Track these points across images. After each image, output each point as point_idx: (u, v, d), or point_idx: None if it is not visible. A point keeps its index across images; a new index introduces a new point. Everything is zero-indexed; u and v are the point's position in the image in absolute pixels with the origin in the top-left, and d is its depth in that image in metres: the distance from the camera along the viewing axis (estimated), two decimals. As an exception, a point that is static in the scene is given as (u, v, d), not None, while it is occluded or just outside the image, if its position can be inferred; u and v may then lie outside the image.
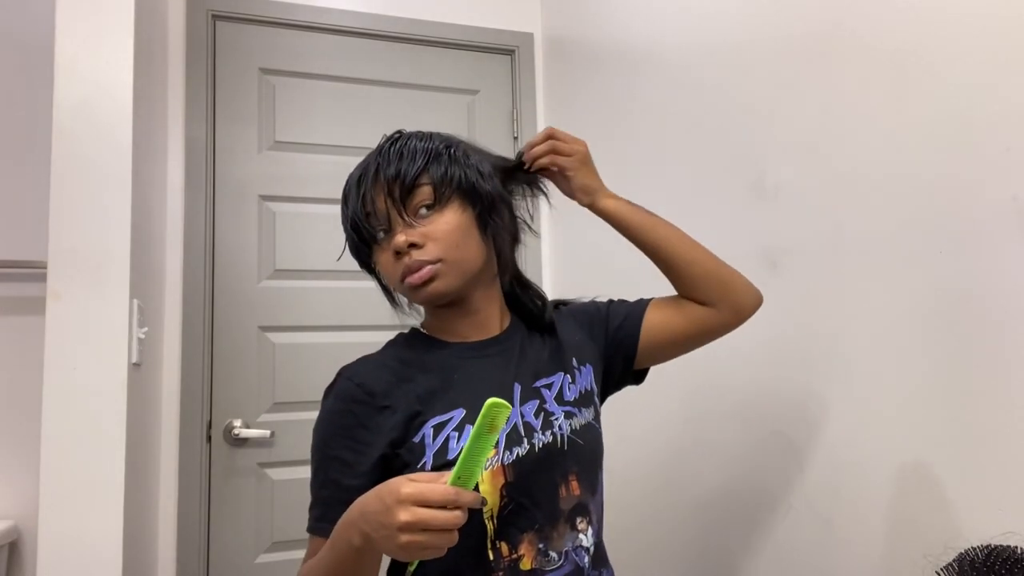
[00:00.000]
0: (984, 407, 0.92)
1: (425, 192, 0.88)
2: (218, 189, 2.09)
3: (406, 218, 0.87)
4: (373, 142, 0.96)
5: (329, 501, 0.85)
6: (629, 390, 1.09)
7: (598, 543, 0.93)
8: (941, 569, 0.68)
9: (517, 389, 0.92)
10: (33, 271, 1.75)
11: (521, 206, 1.02)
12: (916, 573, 0.79)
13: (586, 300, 1.09)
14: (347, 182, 0.93)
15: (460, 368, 0.92)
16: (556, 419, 0.91)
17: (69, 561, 1.40)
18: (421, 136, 0.92)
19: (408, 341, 0.97)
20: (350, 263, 0.99)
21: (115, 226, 1.49)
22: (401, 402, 0.87)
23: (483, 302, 0.96)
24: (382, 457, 0.85)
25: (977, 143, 0.92)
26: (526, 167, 1.01)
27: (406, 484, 0.67)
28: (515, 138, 2.39)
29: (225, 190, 2.09)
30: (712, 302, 1.00)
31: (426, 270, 0.87)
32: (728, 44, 1.44)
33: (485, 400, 0.66)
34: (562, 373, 0.96)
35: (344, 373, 0.91)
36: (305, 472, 0.90)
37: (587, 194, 1.02)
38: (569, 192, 1.04)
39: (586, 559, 0.89)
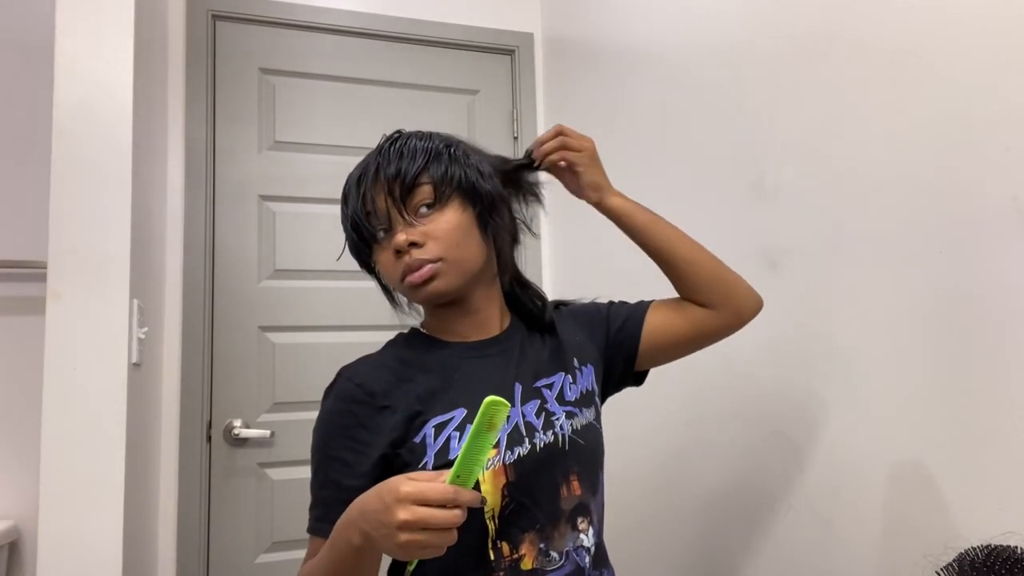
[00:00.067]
0: (984, 407, 0.92)
1: (425, 191, 0.88)
2: (218, 189, 2.09)
3: (406, 217, 0.87)
4: (373, 142, 0.96)
5: (329, 501, 0.84)
6: (631, 392, 1.09)
7: (599, 543, 0.93)
8: (941, 569, 0.68)
9: (518, 389, 0.92)
10: (33, 271, 1.75)
11: (518, 210, 1.02)
12: (916, 573, 0.79)
13: (586, 301, 1.09)
14: (347, 182, 0.93)
15: (460, 368, 0.92)
16: (557, 419, 0.91)
17: (69, 561, 1.40)
18: (421, 136, 0.92)
19: (408, 341, 0.97)
20: (350, 263, 0.99)
21: (115, 226, 1.49)
22: (401, 402, 0.87)
23: (483, 302, 0.96)
24: (383, 457, 0.85)
25: (977, 143, 0.92)
26: (536, 164, 1.01)
27: (405, 483, 0.67)
28: (515, 138, 2.39)
29: (225, 190, 2.09)
30: (713, 304, 1.01)
31: (426, 269, 0.87)
32: (728, 44, 1.44)
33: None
34: (563, 373, 0.96)
35: (344, 373, 0.91)
36: (305, 472, 0.90)
37: (595, 191, 1.02)
38: (576, 190, 1.04)
39: (587, 559, 0.89)
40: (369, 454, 0.85)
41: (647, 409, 1.63)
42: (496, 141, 2.33)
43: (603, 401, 1.04)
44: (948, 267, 0.96)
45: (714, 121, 1.48)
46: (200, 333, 2.01)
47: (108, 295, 1.47)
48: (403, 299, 0.98)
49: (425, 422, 0.86)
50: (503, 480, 0.84)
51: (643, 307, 1.04)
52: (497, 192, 0.94)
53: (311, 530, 0.86)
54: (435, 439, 0.85)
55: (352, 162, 0.96)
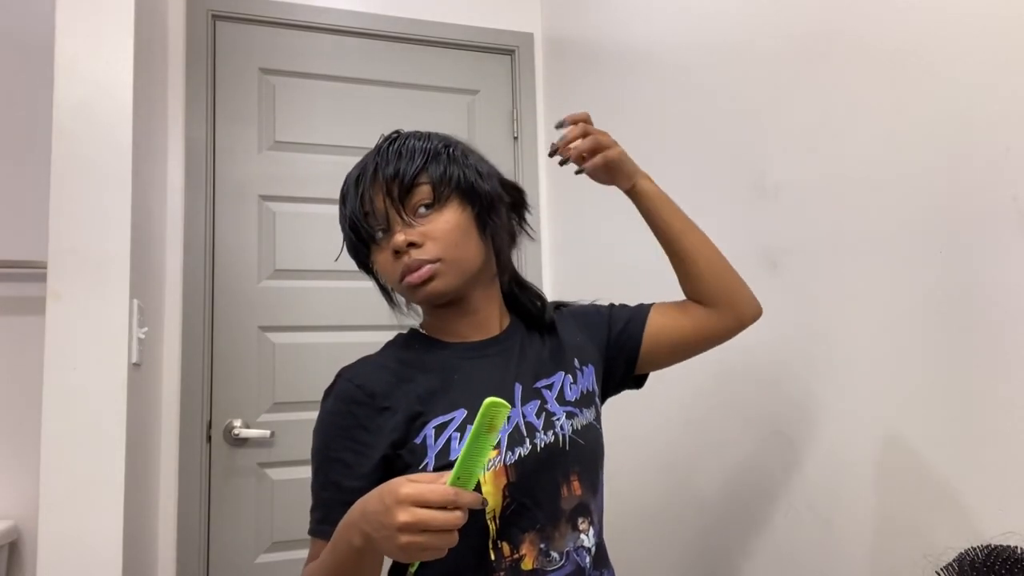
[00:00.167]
0: (984, 407, 0.92)
1: (424, 191, 0.88)
2: (218, 189, 2.08)
3: (405, 217, 0.87)
4: (373, 142, 0.96)
5: (330, 503, 0.84)
6: (631, 392, 1.09)
7: (599, 543, 0.92)
8: (941, 569, 0.68)
9: (518, 389, 0.92)
10: (33, 271, 1.75)
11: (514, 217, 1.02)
12: (916, 573, 0.79)
13: (586, 303, 1.09)
14: (345, 182, 0.93)
15: (460, 368, 0.92)
16: (558, 419, 0.91)
17: (69, 561, 1.40)
18: (419, 136, 0.92)
19: (407, 342, 0.97)
20: (350, 263, 0.99)
21: (115, 226, 1.49)
22: (402, 403, 0.87)
23: (482, 302, 0.96)
24: (383, 458, 0.85)
25: (977, 143, 0.92)
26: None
27: (406, 484, 0.67)
28: (515, 138, 2.39)
29: (225, 190, 2.09)
30: (717, 304, 1.01)
31: (425, 269, 0.86)
32: (728, 44, 1.44)
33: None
34: (563, 373, 0.96)
35: (344, 374, 0.91)
36: (305, 472, 0.90)
37: (629, 178, 1.01)
38: (606, 179, 1.02)
39: (587, 559, 0.89)
40: (370, 455, 0.85)
41: (647, 409, 1.63)
42: (496, 141, 2.33)
43: (602, 402, 1.04)
44: (948, 267, 0.96)
45: (714, 121, 1.48)
46: (200, 333, 2.01)
47: (108, 295, 1.47)
48: (401, 299, 0.98)
49: (426, 423, 0.86)
50: (504, 480, 0.84)
51: (644, 309, 1.04)
52: (496, 192, 0.94)
53: (312, 532, 0.86)
54: (436, 440, 0.85)
55: (352, 162, 0.96)
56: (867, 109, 1.09)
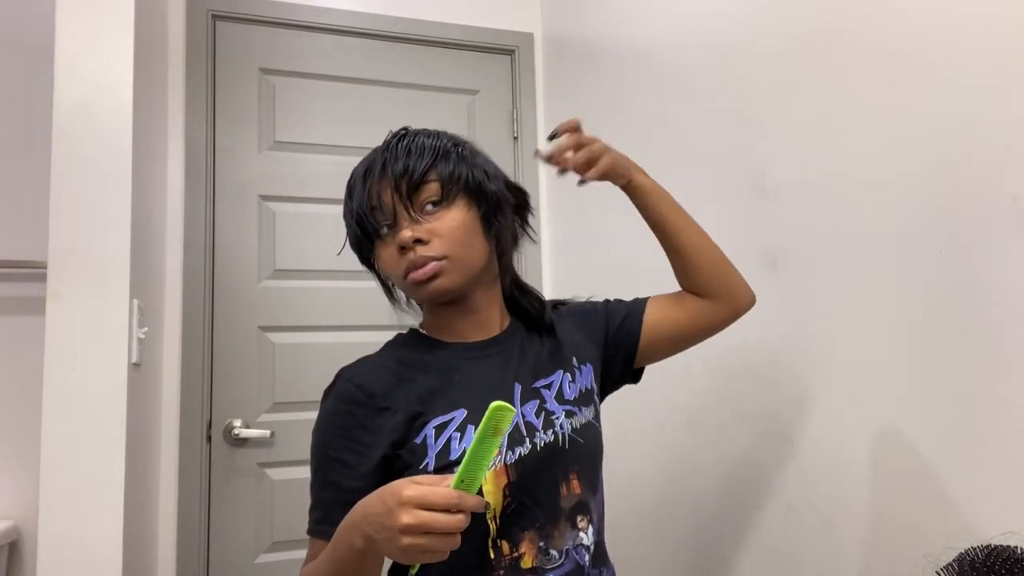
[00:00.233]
0: (984, 407, 0.92)
1: (432, 189, 0.88)
2: (218, 189, 2.08)
3: (412, 214, 0.87)
4: (373, 142, 0.96)
5: (330, 503, 0.84)
6: (630, 392, 1.09)
7: (598, 542, 0.93)
8: (941, 569, 0.68)
9: (517, 389, 0.92)
10: (33, 271, 1.75)
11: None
12: (916, 573, 0.79)
13: (582, 300, 1.10)
14: (352, 176, 0.93)
15: (460, 368, 0.92)
16: (557, 418, 0.91)
17: (69, 561, 1.40)
18: (429, 133, 0.92)
19: (407, 342, 0.97)
20: (350, 263, 0.99)
21: (115, 226, 1.49)
22: (402, 403, 0.87)
23: (484, 302, 0.96)
24: (383, 458, 0.85)
25: (977, 143, 0.92)
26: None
27: (409, 486, 0.66)
28: (515, 138, 2.39)
29: (225, 190, 2.09)
30: (712, 294, 1.02)
31: (430, 266, 0.87)
32: (728, 44, 1.44)
33: (486, 400, 0.65)
34: (561, 372, 0.96)
35: (343, 374, 0.91)
36: (305, 472, 0.90)
37: (623, 175, 1.00)
38: (601, 178, 1.01)
39: (586, 557, 0.89)
40: (370, 455, 0.85)
41: (647, 410, 1.63)
42: (496, 141, 2.33)
43: (602, 400, 1.05)
44: (948, 267, 0.96)
45: (714, 121, 1.48)
46: (200, 333, 2.01)
47: (108, 295, 1.47)
48: (402, 296, 0.98)
49: (426, 423, 0.86)
50: (504, 480, 0.84)
51: (640, 304, 1.05)
52: (502, 193, 0.94)
53: (311, 532, 0.86)
54: (436, 440, 0.85)
55: (352, 162, 0.96)
56: (867, 109, 1.09)
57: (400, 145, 0.90)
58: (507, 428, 0.66)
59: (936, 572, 0.68)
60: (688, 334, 1.04)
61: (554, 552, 0.86)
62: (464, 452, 0.66)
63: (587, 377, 0.99)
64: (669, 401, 1.57)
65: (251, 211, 2.11)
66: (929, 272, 0.99)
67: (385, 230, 0.89)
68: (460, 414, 0.86)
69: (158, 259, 1.92)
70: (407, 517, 0.65)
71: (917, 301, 1.01)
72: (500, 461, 0.84)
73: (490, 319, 0.97)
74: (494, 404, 0.64)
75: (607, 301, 1.08)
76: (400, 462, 0.85)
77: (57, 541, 1.40)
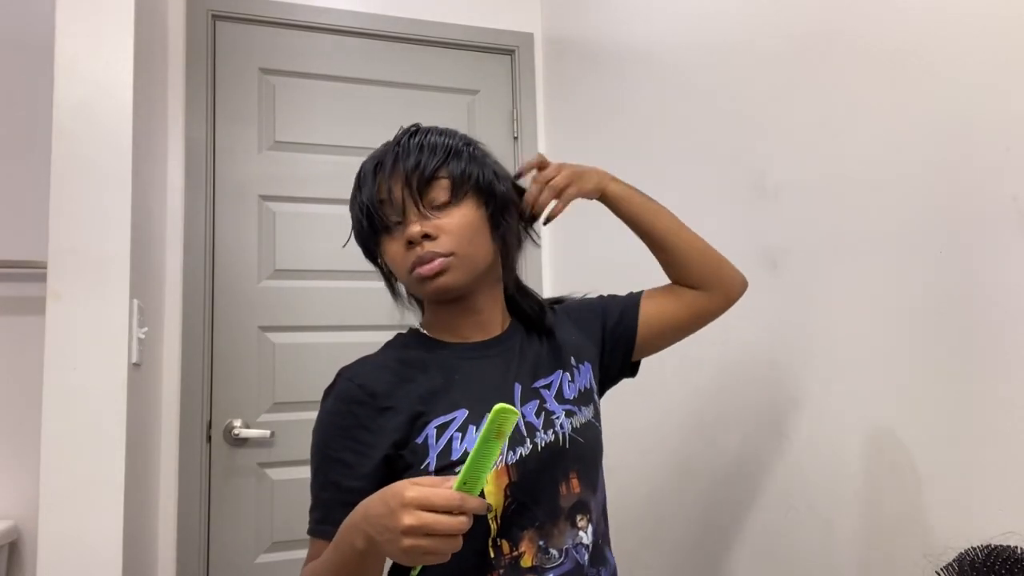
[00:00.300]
0: (984, 407, 0.92)
1: (443, 185, 0.89)
2: (218, 189, 2.08)
3: (422, 209, 0.88)
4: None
5: (330, 503, 0.84)
6: (631, 392, 1.10)
7: (597, 541, 0.93)
8: (941, 569, 0.68)
9: (517, 389, 0.92)
10: (33, 271, 1.75)
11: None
12: (916, 573, 0.79)
13: (577, 297, 1.11)
14: (361, 169, 0.93)
15: (461, 368, 0.92)
16: (557, 418, 0.91)
17: (69, 561, 1.40)
18: (440, 132, 0.93)
19: (407, 342, 0.97)
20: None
21: (115, 226, 1.49)
22: (403, 403, 0.87)
23: (486, 302, 0.96)
24: (385, 458, 0.85)
25: (977, 143, 0.92)
26: (540, 217, 1.00)
27: (411, 488, 0.66)
28: (515, 138, 2.39)
29: (225, 190, 2.09)
30: (704, 285, 1.03)
31: (437, 262, 0.87)
32: (728, 44, 1.44)
33: (487, 401, 0.65)
34: (561, 371, 0.97)
35: (344, 374, 0.91)
36: (305, 472, 0.90)
37: (595, 191, 1.02)
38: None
39: (586, 556, 0.89)
40: (371, 455, 0.85)
41: (647, 412, 1.63)
42: (496, 141, 2.33)
43: (601, 394, 1.05)
44: (948, 267, 0.96)
45: (714, 121, 1.48)
46: (200, 333, 2.01)
47: (108, 295, 1.47)
48: (403, 291, 0.98)
49: (427, 423, 0.86)
50: (506, 480, 0.84)
51: (636, 298, 1.06)
52: (510, 195, 0.95)
53: (311, 532, 0.86)
54: (437, 440, 0.85)
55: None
56: (867, 109, 1.09)
57: (412, 141, 0.90)
58: (510, 431, 0.66)
59: (936, 572, 0.69)
60: (684, 325, 1.06)
61: (554, 551, 0.87)
62: (466, 453, 0.66)
63: (586, 376, 0.99)
64: (669, 401, 1.57)
65: (251, 211, 2.11)
66: (929, 272, 0.99)
67: (393, 224, 0.90)
68: (461, 414, 0.86)
69: (158, 259, 1.92)
70: (409, 519, 0.65)
71: (917, 301, 1.01)
72: (501, 461, 0.84)
73: (491, 320, 0.97)
74: (498, 406, 0.64)
75: (601, 297, 1.09)
76: (402, 462, 0.85)
77: (57, 541, 1.40)
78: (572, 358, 0.99)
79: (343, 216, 0.95)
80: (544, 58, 2.43)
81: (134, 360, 1.51)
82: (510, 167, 1.00)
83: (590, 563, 0.90)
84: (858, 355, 1.11)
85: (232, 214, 2.09)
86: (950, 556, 0.69)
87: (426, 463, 0.84)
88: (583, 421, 0.94)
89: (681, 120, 1.60)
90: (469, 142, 0.94)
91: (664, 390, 1.56)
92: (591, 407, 0.97)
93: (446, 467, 0.83)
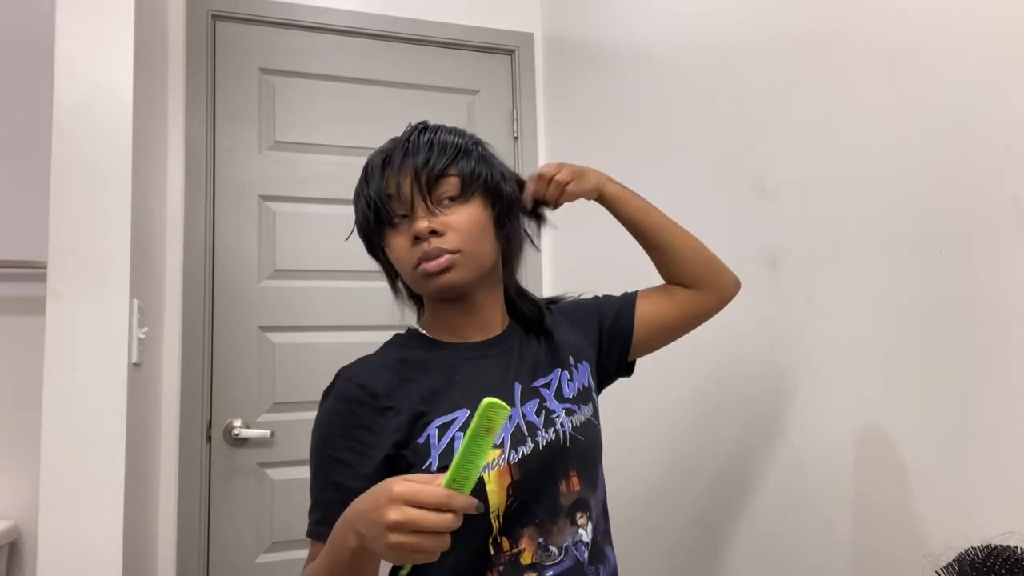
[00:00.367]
0: (984, 407, 0.91)
1: (452, 183, 0.89)
2: (218, 189, 2.08)
3: (430, 205, 0.88)
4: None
5: (330, 504, 0.84)
6: (630, 391, 1.10)
7: (596, 539, 0.93)
8: (941, 569, 0.68)
9: (517, 389, 0.92)
10: (33, 271, 1.75)
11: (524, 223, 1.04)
12: (916, 573, 0.79)
13: (574, 297, 1.11)
14: (368, 163, 0.93)
15: (461, 368, 0.92)
16: (557, 417, 0.91)
17: (69, 561, 1.40)
18: (450, 130, 0.93)
19: (407, 342, 0.97)
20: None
21: (115, 226, 1.49)
22: (404, 403, 0.87)
23: (487, 302, 0.96)
24: (386, 459, 0.85)
25: (977, 143, 0.92)
26: (543, 207, 1.03)
27: (399, 483, 0.65)
28: (515, 138, 2.39)
29: (225, 190, 2.09)
30: (698, 284, 1.04)
31: (444, 259, 0.87)
32: (728, 44, 1.44)
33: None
34: (559, 370, 0.97)
35: (344, 374, 0.90)
36: (305, 472, 0.89)
37: (594, 190, 1.05)
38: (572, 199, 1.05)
39: (585, 554, 0.90)
40: (372, 456, 0.85)
41: (647, 412, 1.63)
42: (496, 141, 2.29)
43: (598, 393, 1.05)
44: (948, 267, 0.96)
45: (714, 121, 1.48)
46: (200, 333, 2.01)
47: (108, 295, 1.47)
48: (403, 288, 0.99)
49: (428, 423, 0.86)
50: (508, 479, 0.84)
51: (631, 298, 1.07)
52: (516, 196, 0.97)
53: (311, 534, 0.86)
54: (439, 440, 0.85)
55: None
56: (867, 109, 1.09)
57: (422, 138, 0.91)
58: (501, 426, 0.64)
59: (936, 572, 0.68)
60: (679, 325, 1.07)
61: (553, 548, 0.87)
62: (457, 453, 0.65)
63: (584, 375, 1.00)
64: (668, 400, 1.57)
65: (251, 211, 2.11)
66: (929, 272, 0.99)
67: (399, 219, 0.90)
68: (462, 414, 0.86)
69: (158, 259, 1.92)
70: (395, 513, 0.63)
71: (917, 301, 1.01)
72: (503, 460, 0.84)
73: (491, 320, 0.97)
74: (486, 401, 0.62)
75: (596, 298, 1.10)
76: (403, 462, 0.85)
77: (57, 541, 1.40)
78: (570, 357, 1.00)
79: (343, 216, 0.96)
80: (544, 58, 2.43)
81: (134, 360, 1.51)
82: (510, 167, 1.01)
83: (590, 560, 0.90)
84: (858, 355, 1.11)
85: (232, 214, 2.09)
86: (950, 556, 0.69)
87: (428, 463, 0.84)
88: (583, 419, 0.94)
89: (681, 120, 1.60)
90: (478, 142, 0.95)
91: (663, 389, 1.56)
92: (590, 405, 0.97)
93: (447, 467, 0.83)
